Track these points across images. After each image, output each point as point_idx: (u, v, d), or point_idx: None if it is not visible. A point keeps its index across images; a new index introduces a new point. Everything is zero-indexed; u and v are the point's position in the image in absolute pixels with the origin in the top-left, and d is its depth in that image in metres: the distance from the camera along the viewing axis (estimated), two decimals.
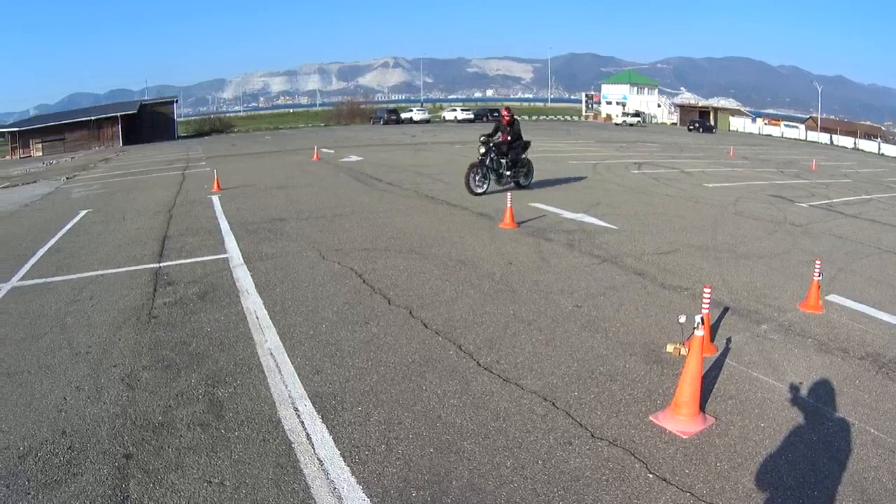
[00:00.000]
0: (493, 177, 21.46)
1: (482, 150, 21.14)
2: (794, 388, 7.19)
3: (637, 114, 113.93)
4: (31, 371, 7.97)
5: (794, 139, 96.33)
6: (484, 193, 20.97)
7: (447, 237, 14.80)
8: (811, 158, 44.67)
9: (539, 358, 7.96)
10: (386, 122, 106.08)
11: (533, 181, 23.11)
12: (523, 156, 22.11)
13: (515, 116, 22.02)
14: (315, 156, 38.49)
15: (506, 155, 21.32)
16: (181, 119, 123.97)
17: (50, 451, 6.01)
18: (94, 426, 6.43)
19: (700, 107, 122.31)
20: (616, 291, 10.78)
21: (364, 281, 11.34)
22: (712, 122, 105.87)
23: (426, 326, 9.07)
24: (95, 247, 15.22)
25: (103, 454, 5.90)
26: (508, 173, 21.70)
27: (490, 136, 21.11)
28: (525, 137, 21.91)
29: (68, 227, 18.43)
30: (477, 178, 21.07)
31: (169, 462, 5.74)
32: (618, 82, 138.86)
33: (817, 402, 6.93)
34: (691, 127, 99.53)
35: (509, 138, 21.17)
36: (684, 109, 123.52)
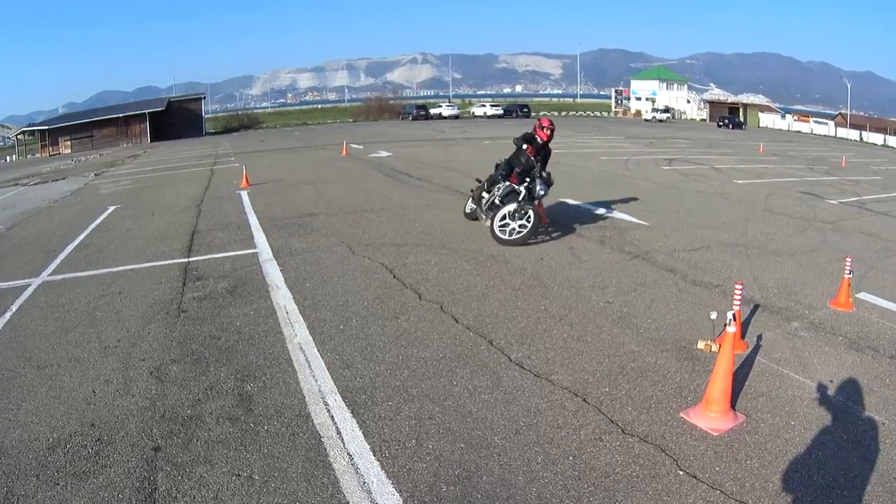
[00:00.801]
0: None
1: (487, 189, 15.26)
2: (825, 387, 7.16)
3: (666, 110, 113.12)
4: (60, 364, 8.05)
5: (824, 136, 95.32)
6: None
7: (477, 232, 14.75)
8: (841, 155, 44.14)
9: (570, 354, 7.95)
10: (415, 118, 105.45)
11: (566, 177, 22.71)
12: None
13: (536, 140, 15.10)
14: (344, 151, 38.54)
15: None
16: (209, 115, 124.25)
17: (79, 442, 6.07)
18: (123, 419, 6.49)
19: (729, 103, 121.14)
20: (647, 288, 10.75)
21: (394, 276, 11.38)
22: (742, 119, 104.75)
23: (457, 321, 9.08)
24: (124, 242, 15.37)
25: (132, 447, 5.96)
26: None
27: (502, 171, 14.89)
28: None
29: (97, 222, 18.55)
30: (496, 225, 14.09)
31: (198, 455, 5.78)
32: (647, 78, 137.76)
33: (847, 400, 6.90)
34: (721, 123, 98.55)
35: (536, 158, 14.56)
36: (714, 105, 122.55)
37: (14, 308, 10.65)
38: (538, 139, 14.51)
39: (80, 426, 6.39)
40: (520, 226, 13.72)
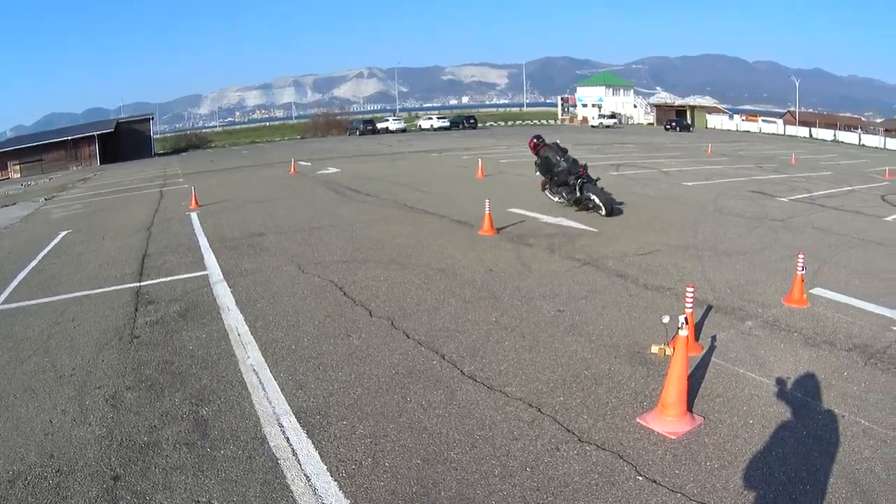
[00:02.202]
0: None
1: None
2: (782, 383, 7.23)
3: (613, 115, 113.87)
4: (16, 395, 7.96)
5: (772, 134, 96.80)
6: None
7: (427, 246, 14.86)
8: (790, 153, 44.79)
9: (523, 364, 7.98)
10: (362, 133, 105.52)
11: (515, 187, 22.98)
12: (573, 184, 19.32)
13: (546, 143, 20.40)
14: (292, 169, 38.51)
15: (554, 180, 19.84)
16: (158, 136, 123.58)
17: (38, 474, 6.00)
18: (81, 448, 6.42)
19: (677, 106, 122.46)
20: (598, 294, 10.81)
21: (344, 293, 11.35)
22: (689, 121, 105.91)
23: (408, 337, 9.09)
24: (76, 267, 15.21)
25: (91, 476, 5.90)
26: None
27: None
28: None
29: (49, 248, 18.38)
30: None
31: (156, 482, 5.74)
32: (593, 84, 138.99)
33: (805, 396, 6.98)
34: (668, 126, 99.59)
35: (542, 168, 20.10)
36: (661, 109, 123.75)
37: None
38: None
39: (39, 457, 6.32)
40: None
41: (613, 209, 18.56)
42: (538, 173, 20.50)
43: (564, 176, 19.25)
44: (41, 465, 6.18)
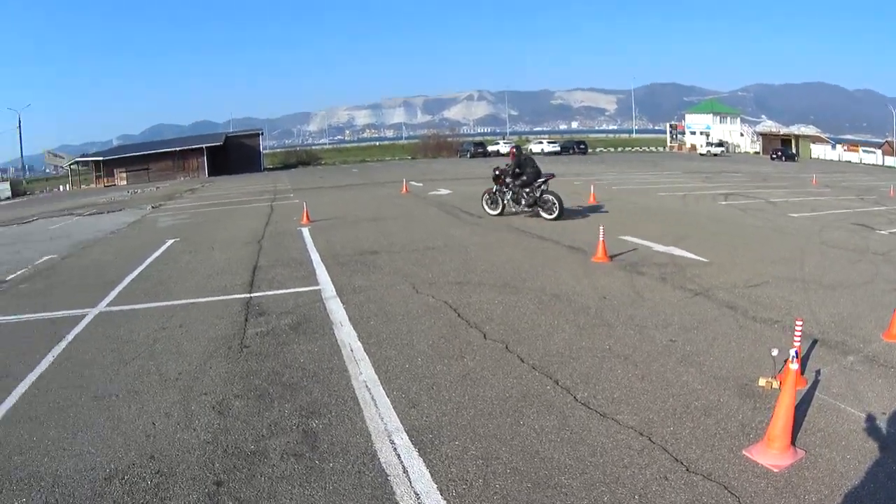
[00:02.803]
0: (501, 201, 25.67)
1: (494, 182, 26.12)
2: (879, 419, 7.06)
3: (721, 143, 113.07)
4: (118, 395, 8.12)
5: (872, 164, 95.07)
6: (499, 215, 25.39)
7: (540, 271, 14.71)
8: (889, 185, 43.73)
9: (635, 393, 7.87)
10: (472, 155, 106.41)
11: (626, 214, 23.03)
12: (536, 186, 24.28)
13: (523, 152, 26.71)
14: (404, 189, 38.81)
15: (511, 185, 25.01)
16: (266, 151, 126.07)
17: (137, 474, 6.08)
18: (184, 452, 6.49)
19: (781, 135, 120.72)
20: (709, 325, 10.63)
21: (458, 315, 11.29)
22: (794, 150, 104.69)
23: (522, 361, 8.98)
24: (184, 275, 15.52)
25: (193, 480, 5.95)
26: (514, 201, 25.13)
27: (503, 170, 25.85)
28: (544, 170, 24.79)
29: (156, 255, 18.83)
30: (487, 203, 26.46)
31: (261, 491, 5.75)
32: (700, 112, 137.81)
33: None
34: (774, 156, 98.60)
35: (513, 169, 24.85)
36: (766, 138, 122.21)
37: (70, 337, 10.81)
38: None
39: (140, 458, 6.39)
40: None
41: (563, 213, 23.53)
42: (501, 175, 25.74)
43: (532, 178, 24.17)
44: (140, 465, 6.26)
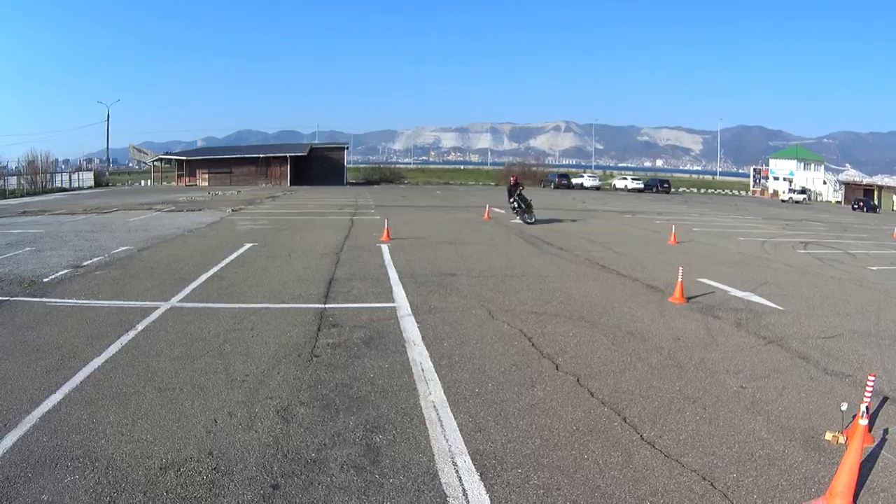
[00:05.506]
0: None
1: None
2: None
3: (803, 191, 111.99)
4: (183, 389, 8.26)
5: None
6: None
7: (617, 307, 14.63)
8: None
9: (701, 436, 7.78)
10: (556, 186, 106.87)
11: (705, 257, 22.89)
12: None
13: (520, 182, 38.81)
14: (486, 214, 39.03)
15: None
16: (350, 165, 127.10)
17: (193, 468, 6.17)
18: (243, 452, 6.55)
19: (864, 185, 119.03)
20: (780, 374, 10.47)
21: (533, 344, 11.24)
22: (876, 202, 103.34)
23: (592, 395, 8.94)
24: (260, 280, 15.72)
25: (249, 480, 6.00)
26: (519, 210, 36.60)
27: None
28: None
29: (232, 257, 19.12)
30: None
31: (317, 499, 5.76)
32: (785, 157, 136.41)
33: None
34: (856, 206, 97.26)
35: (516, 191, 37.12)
36: (849, 187, 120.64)
37: (140, 328, 11.07)
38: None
39: (198, 452, 6.48)
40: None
41: (535, 221, 35.37)
42: (513, 201, 36.76)
43: (527, 202, 35.90)
44: (198, 459, 6.35)
